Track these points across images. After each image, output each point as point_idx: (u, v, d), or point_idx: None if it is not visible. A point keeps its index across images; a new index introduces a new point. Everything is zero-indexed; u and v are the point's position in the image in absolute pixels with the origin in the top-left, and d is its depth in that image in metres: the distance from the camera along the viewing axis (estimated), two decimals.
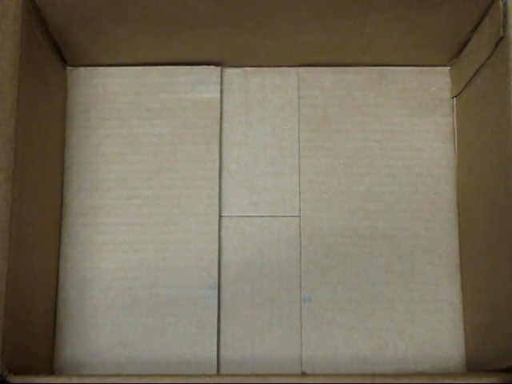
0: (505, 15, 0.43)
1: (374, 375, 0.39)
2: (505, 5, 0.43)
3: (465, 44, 0.50)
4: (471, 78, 0.49)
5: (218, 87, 0.53)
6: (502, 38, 0.43)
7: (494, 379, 0.39)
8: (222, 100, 0.53)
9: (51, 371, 0.49)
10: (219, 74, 0.53)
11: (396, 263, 0.51)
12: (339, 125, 0.52)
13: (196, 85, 0.53)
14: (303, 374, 0.48)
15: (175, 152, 0.52)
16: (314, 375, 0.46)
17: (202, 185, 0.51)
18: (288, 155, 0.52)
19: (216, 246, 0.51)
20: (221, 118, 0.53)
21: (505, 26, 0.43)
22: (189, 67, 0.53)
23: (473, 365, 0.48)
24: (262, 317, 0.50)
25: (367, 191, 0.52)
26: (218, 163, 0.52)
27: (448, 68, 0.53)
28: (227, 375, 0.45)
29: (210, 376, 0.41)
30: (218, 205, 0.51)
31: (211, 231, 0.51)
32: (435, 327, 0.50)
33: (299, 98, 0.53)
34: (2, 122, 0.40)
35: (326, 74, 0.53)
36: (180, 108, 0.52)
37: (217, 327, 0.49)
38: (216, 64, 0.53)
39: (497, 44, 0.44)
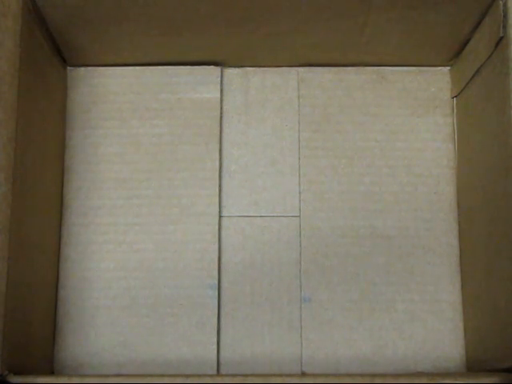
0: (505, 15, 0.43)
1: (373, 375, 0.39)
2: (505, 5, 0.43)
3: (465, 44, 0.50)
4: (471, 78, 0.49)
5: (218, 87, 0.53)
6: (501, 37, 0.43)
7: (494, 379, 0.39)
8: (222, 100, 0.53)
9: (51, 371, 0.49)
10: (219, 74, 0.53)
11: (396, 263, 0.50)
12: (339, 125, 0.52)
13: (196, 85, 0.53)
14: (303, 374, 0.48)
15: (175, 152, 0.52)
16: (314, 375, 0.46)
17: (201, 185, 0.51)
18: (288, 155, 0.52)
19: (216, 246, 0.51)
20: (221, 117, 0.53)
21: (505, 26, 0.43)
22: (189, 67, 0.53)
23: (473, 365, 0.48)
24: (262, 317, 0.50)
25: (367, 191, 0.51)
26: (218, 163, 0.52)
27: (448, 68, 0.53)
28: (227, 375, 0.45)
29: (210, 376, 0.41)
30: (218, 205, 0.51)
31: (211, 231, 0.51)
32: (435, 327, 0.50)
33: (299, 98, 0.53)
34: (2, 122, 0.40)
35: (326, 74, 0.53)
36: (180, 108, 0.52)
37: (217, 327, 0.49)
38: (216, 64, 0.53)
39: (497, 44, 0.44)
